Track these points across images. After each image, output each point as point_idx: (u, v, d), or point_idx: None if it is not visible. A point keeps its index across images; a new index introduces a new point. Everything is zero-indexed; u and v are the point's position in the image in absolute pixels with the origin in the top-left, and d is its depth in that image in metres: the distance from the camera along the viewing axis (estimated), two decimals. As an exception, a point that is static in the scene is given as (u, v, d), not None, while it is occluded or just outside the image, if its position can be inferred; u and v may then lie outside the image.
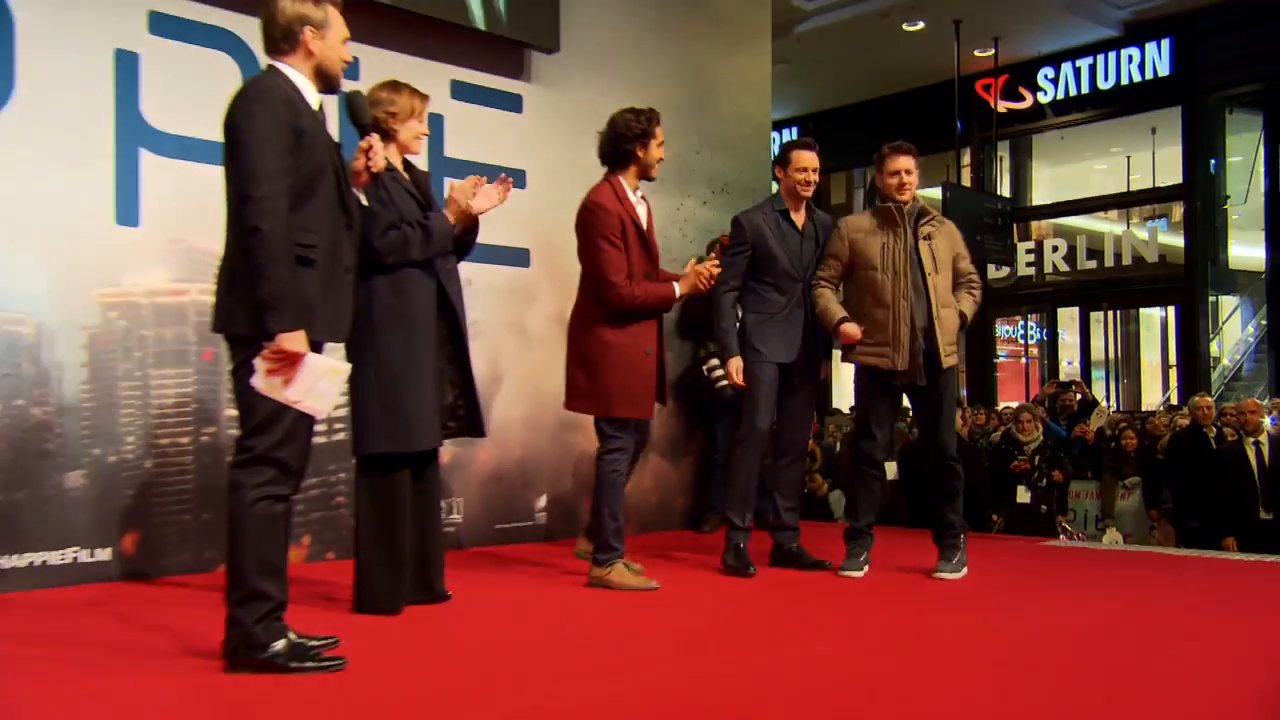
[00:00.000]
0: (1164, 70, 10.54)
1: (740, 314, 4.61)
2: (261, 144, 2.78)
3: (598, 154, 4.48)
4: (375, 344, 3.73)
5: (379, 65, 4.96)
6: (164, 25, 4.58)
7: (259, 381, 2.85)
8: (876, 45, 10.67)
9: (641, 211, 4.45)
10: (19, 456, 4.03)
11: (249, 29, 3.20)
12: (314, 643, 2.96)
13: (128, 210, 4.54)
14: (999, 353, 12.25)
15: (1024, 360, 12.58)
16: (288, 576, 2.90)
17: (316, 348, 2.91)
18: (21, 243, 4.16)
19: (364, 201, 3.22)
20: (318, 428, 4.94)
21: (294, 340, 2.79)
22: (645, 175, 4.23)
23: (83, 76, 4.45)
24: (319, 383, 2.91)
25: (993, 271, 12.10)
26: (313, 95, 2.97)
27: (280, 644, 2.80)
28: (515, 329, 5.65)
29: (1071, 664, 3.15)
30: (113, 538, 4.41)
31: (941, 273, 4.59)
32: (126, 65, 4.54)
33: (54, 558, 4.30)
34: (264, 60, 3.12)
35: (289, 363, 2.84)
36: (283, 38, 2.94)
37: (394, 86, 3.93)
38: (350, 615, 3.63)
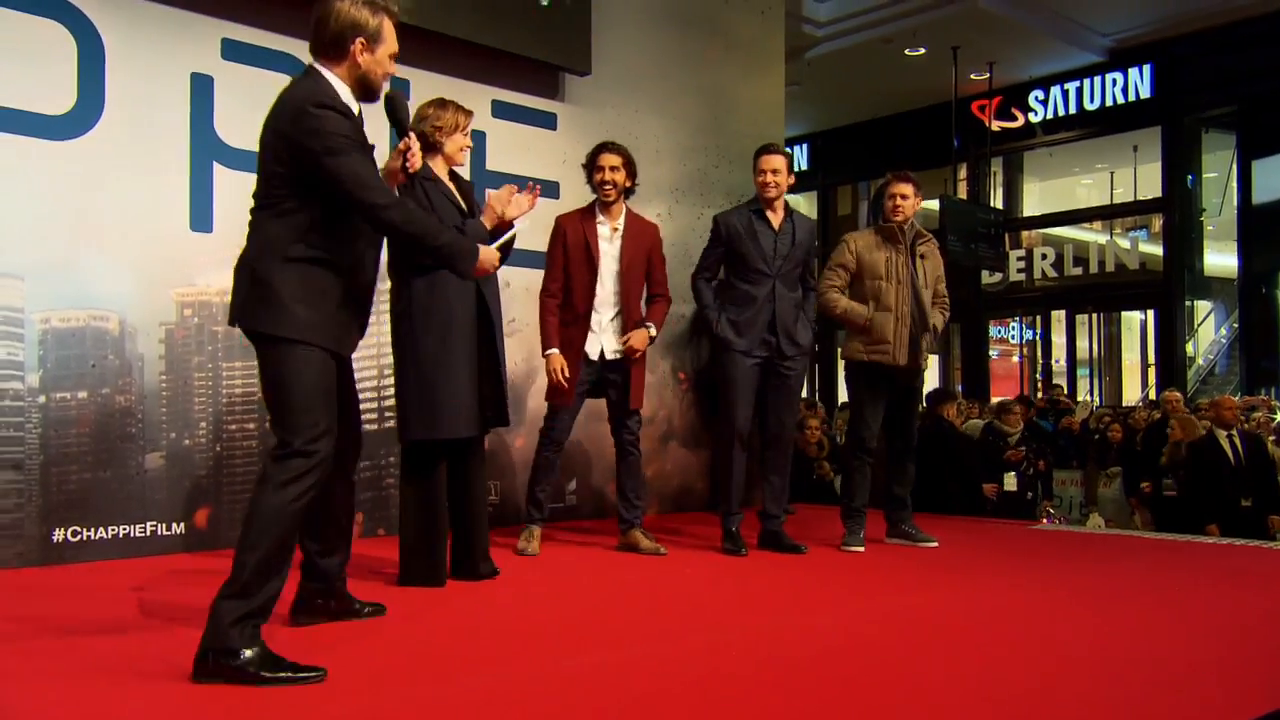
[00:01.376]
0: (1145, 93, 10.61)
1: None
2: (349, 148, 2.64)
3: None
4: (413, 339, 3.76)
5: (427, 86, 5.05)
6: (236, 51, 4.67)
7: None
8: (880, 69, 10.73)
9: (604, 231, 4.53)
10: (105, 439, 4.11)
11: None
12: (360, 605, 3.08)
13: (202, 218, 4.62)
14: (992, 351, 12.47)
15: (1016, 359, 12.84)
16: (287, 575, 2.66)
17: (339, 361, 2.77)
18: (108, 248, 4.22)
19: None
20: (369, 414, 5.15)
21: (486, 263, 3.01)
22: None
23: (163, 98, 4.49)
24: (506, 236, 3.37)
25: (986, 277, 12.14)
26: (352, 103, 2.75)
27: (251, 650, 2.50)
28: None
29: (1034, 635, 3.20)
30: (186, 513, 4.51)
31: (929, 287, 4.82)
32: (202, 87, 4.60)
33: (135, 530, 4.40)
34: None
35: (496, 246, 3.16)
36: (332, 43, 2.72)
37: (440, 103, 3.91)
38: (392, 587, 3.66)
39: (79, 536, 4.24)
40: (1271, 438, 7.46)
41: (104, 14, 4.32)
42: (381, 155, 3.16)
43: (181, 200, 4.50)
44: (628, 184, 4.59)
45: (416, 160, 3.01)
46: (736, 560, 4.35)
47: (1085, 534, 6.10)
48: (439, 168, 3.90)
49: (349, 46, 2.71)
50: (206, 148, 4.57)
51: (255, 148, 4.53)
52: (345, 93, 2.73)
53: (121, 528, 4.34)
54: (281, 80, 4.94)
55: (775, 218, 4.52)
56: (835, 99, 11.98)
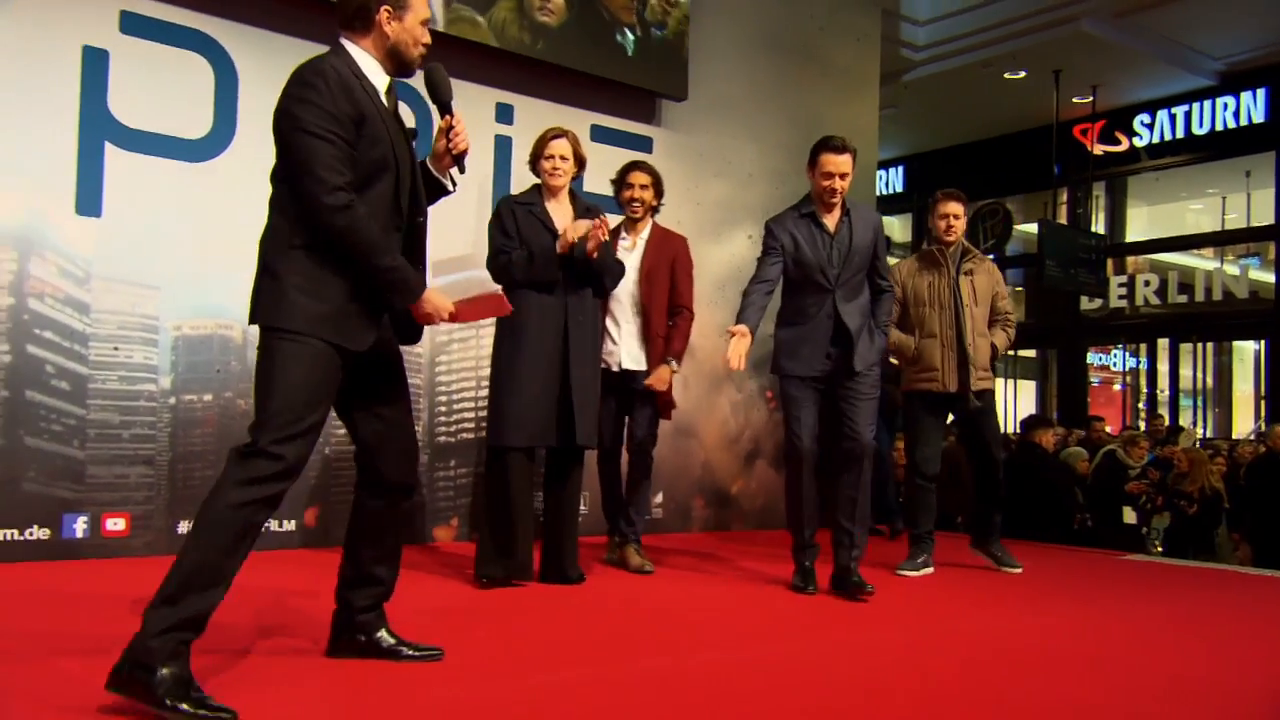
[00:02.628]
0: (1259, 117, 10.28)
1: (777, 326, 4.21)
2: (315, 125, 2.37)
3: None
4: (495, 352, 3.94)
5: (530, 111, 5.35)
6: None
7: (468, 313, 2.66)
8: (979, 92, 10.61)
9: (624, 244, 4.51)
10: (227, 440, 4.31)
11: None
12: (403, 645, 2.65)
13: None
14: (1093, 378, 12.09)
15: (1119, 387, 12.42)
16: (225, 591, 2.31)
17: (348, 357, 2.50)
18: (238, 262, 4.43)
19: (451, 187, 2.79)
20: (467, 422, 5.29)
21: (430, 304, 2.52)
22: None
23: None
24: (481, 291, 2.75)
25: (1085, 302, 11.93)
26: (380, 78, 2.56)
27: (166, 670, 2.17)
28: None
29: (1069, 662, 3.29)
30: (297, 511, 4.74)
31: (981, 305, 4.70)
32: None
33: None
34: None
35: (457, 314, 2.57)
36: (356, 15, 2.53)
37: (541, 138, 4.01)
38: (467, 585, 3.84)
39: (202, 528, 4.43)
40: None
41: (240, 45, 4.58)
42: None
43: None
44: (654, 202, 4.55)
45: (462, 141, 2.69)
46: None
47: (1175, 565, 5.97)
48: (554, 198, 3.98)
49: (374, 15, 2.51)
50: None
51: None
52: (373, 67, 2.55)
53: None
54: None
55: (832, 220, 4.01)
56: (933, 122, 11.86)
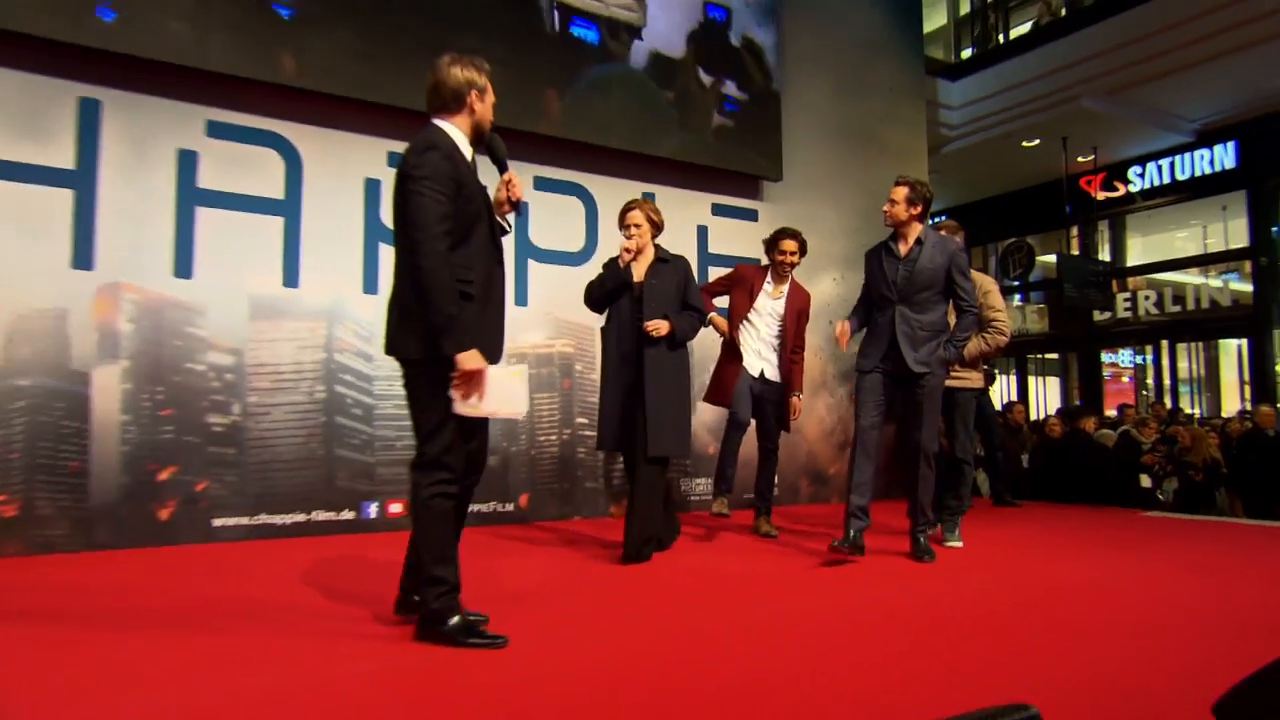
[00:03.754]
0: (1230, 164, 10.22)
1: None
2: (430, 192, 2.34)
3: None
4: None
5: (665, 196, 5.62)
6: (393, 159, 4.80)
7: (459, 407, 2.36)
8: (1002, 157, 10.73)
9: (769, 288, 4.50)
10: None
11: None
12: (474, 617, 2.50)
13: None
14: (1105, 374, 12.28)
15: (1127, 379, 12.55)
16: (458, 561, 2.46)
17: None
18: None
19: (508, 227, 2.71)
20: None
21: (470, 359, 2.34)
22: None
23: (345, 195, 4.73)
24: (507, 388, 2.42)
25: (1097, 315, 11.98)
26: (468, 149, 2.53)
27: (454, 620, 2.40)
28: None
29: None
30: (514, 496, 5.02)
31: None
32: (372, 187, 4.85)
33: (484, 508, 4.88)
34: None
35: (475, 381, 2.36)
36: (452, 99, 2.51)
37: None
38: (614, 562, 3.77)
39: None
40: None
41: (303, 139, 4.69)
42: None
43: (356, 268, 4.76)
44: (798, 261, 4.54)
45: (517, 190, 2.63)
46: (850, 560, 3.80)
47: (1178, 519, 6.02)
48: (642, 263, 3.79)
49: (467, 99, 2.51)
50: (376, 231, 4.84)
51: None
52: (463, 140, 2.51)
53: (477, 505, 4.82)
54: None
55: (904, 246, 3.85)
56: (968, 181, 11.92)
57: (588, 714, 1.93)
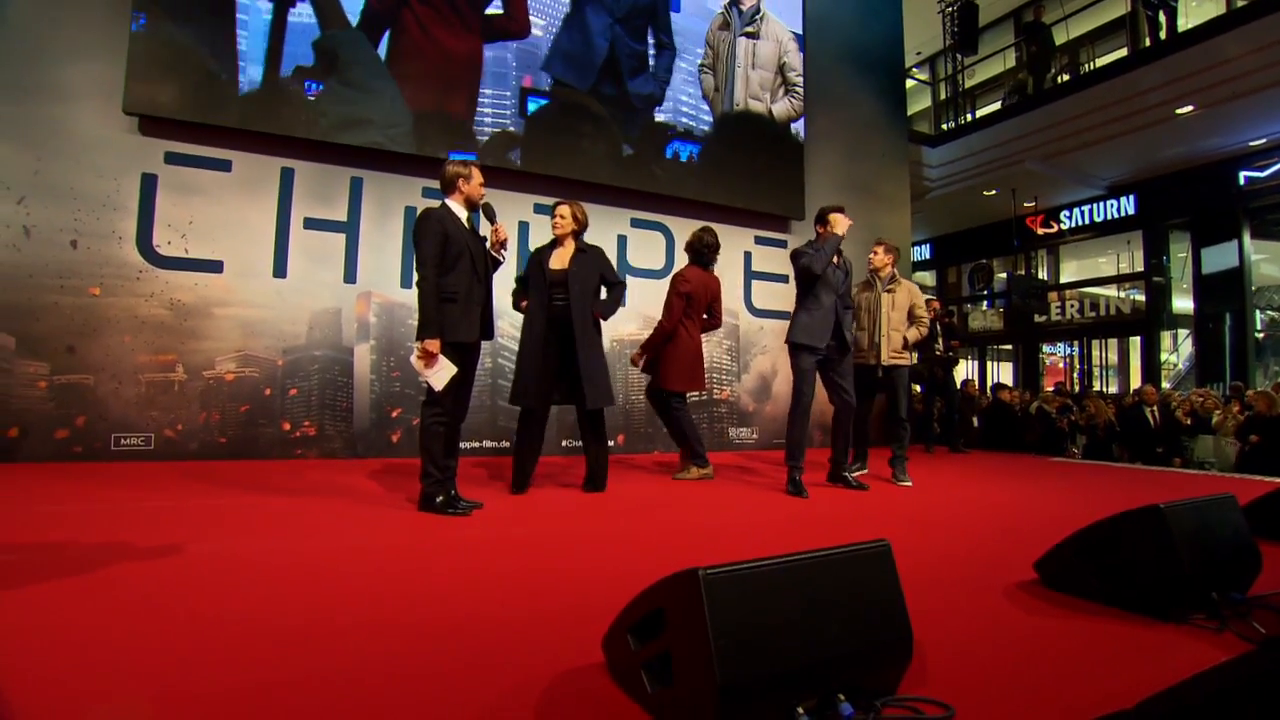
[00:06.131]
0: (1131, 211, 9.95)
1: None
2: (425, 244, 2.58)
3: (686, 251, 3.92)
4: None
5: (723, 231, 5.47)
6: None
7: (413, 362, 2.62)
8: (970, 201, 10.53)
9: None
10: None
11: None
12: (463, 502, 2.64)
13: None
14: (1045, 361, 11.74)
15: (1061, 365, 12.05)
16: (446, 465, 2.60)
17: (462, 346, 2.65)
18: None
19: (501, 259, 2.82)
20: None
21: (432, 345, 2.56)
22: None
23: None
24: (442, 371, 2.56)
25: (1037, 318, 11.57)
26: (463, 214, 2.70)
27: (440, 498, 2.58)
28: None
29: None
30: (613, 434, 5.19)
31: (897, 311, 3.99)
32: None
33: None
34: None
35: (429, 358, 2.57)
36: (447, 185, 2.71)
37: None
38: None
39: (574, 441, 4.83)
40: (1180, 410, 6.79)
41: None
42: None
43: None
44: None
45: (503, 234, 2.78)
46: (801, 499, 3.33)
47: (1074, 463, 5.83)
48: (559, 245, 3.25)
49: (457, 184, 2.71)
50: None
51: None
52: (459, 209, 2.70)
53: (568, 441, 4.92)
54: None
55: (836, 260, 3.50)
56: (943, 219, 11.73)
57: (541, 548, 2.07)
